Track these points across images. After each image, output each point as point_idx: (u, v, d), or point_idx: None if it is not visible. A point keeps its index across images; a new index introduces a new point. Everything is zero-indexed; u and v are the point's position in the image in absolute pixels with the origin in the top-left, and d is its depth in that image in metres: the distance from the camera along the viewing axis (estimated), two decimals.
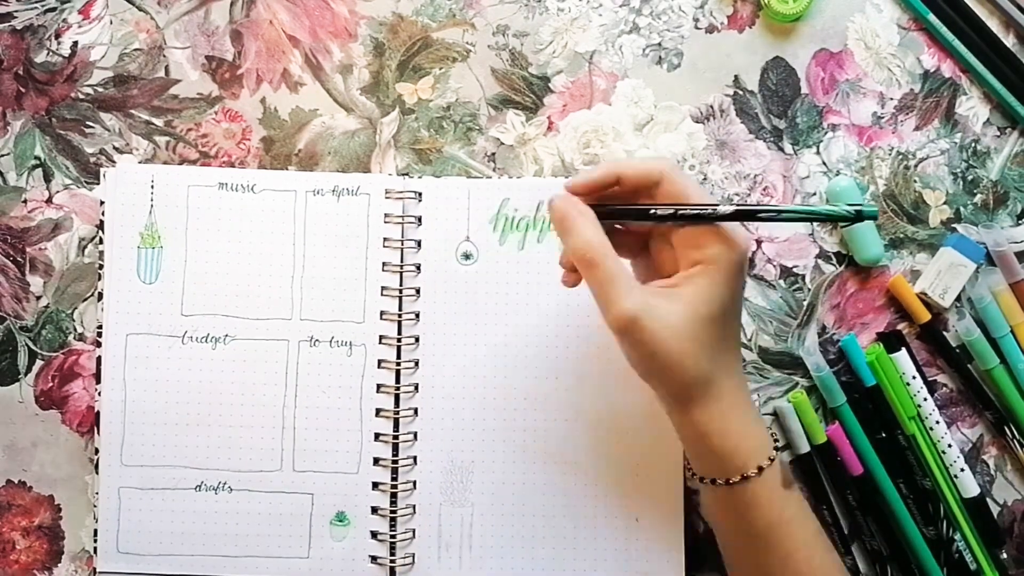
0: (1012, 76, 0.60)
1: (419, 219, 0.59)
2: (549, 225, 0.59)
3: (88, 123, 0.60)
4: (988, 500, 0.59)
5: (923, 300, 0.59)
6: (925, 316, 0.59)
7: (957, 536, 0.59)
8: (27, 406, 0.59)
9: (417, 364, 0.59)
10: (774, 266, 0.60)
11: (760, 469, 0.49)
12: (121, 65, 0.60)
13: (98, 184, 0.60)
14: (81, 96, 0.60)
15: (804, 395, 0.59)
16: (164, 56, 0.60)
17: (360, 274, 0.59)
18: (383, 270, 0.59)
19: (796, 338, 0.60)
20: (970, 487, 0.58)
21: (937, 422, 0.59)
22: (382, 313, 0.59)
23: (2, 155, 0.60)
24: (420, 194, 0.59)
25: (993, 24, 0.61)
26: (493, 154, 0.61)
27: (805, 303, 0.60)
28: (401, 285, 0.59)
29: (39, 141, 0.60)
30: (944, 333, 0.60)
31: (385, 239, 0.59)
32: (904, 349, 0.59)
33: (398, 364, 0.59)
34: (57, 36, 0.60)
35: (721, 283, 0.48)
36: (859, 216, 0.49)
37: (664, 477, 0.58)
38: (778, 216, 0.50)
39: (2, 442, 0.59)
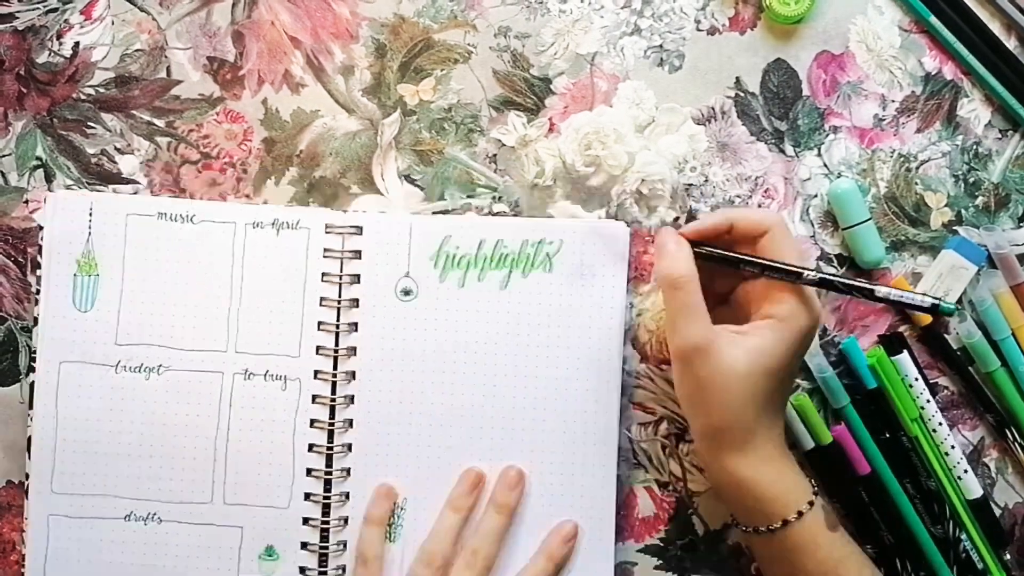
0: (1014, 78, 0.60)
1: (358, 253, 0.59)
2: (491, 263, 0.59)
3: (90, 124, 0.60)
4: (990, 503, 0.59)
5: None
6: (926, 319, 0.59)
7: (963, 536, 0.59)
8: (27, 406, 0.59)
9: (352, 399, 0.58)
10: None
11: (800, 514, 0.51)
12: (123, 66, 0.60)
13: (100, 184, 0.60)
14: (83, 97, 0.60)
15: (807, 397, 0.59)
16: (166, 57, 0.61)
17: (297, 308, 0.58)
18: (320, 305, 0.58)
19: None
20: (973, 489, 0.59)
21: (940, 423, 0.59)
22: (318, 348, 0.58)
23: (4, 155, 0.60)
24: (360, 228, 0.59)
25: (995, 26, 0.61)
26: (494, 155, 0.61)
27: None
28: (338, 320, 0.58)
29: (40, 142, 0.60)
30: (945, 336, 0.60)
31: (324, 274, 0.58)
32: (906, 351, 0.59)
33: (333, 400, 0.58)
34: (59, 37, 0.60)
35: (787, 340, 0.51)
36: (935, 309, 0.52)
37: (598, 513, 0.58)
38: (856, 293, 0.53)
39: (2, 442, 0.59)
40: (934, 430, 0.59)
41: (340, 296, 0.58)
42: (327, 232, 0.59)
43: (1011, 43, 0.61)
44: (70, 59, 0.60)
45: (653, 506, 0.60)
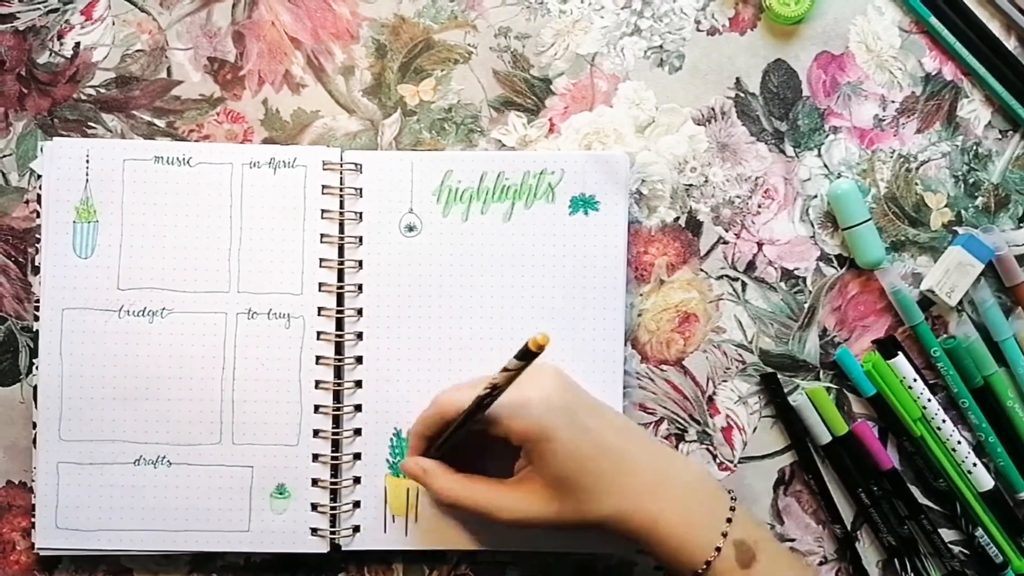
0: (1014, 79, 0.60)
1: (359, 191, 0.59)
2: (493, 196, 0.59)
3: (90, 124, 0.60)
4: (1002, 493, 0.60)
5: (928, 299, 0.59)
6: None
7: (978, 532, 0.59)
8: (28, 407, 0.59)
9: (360, 336, 0.59)
10: (775, 268, 0.60)
11: (708, 563, 0.50)
12: (123, 66, 0.60)
13: None
14: (83, 97, 0.60)
15: (822, 389, 0.59)
16: (166, 57, 0.61)
17: (297, 246, 0.59)
18: (321, 242, 0.59)
19: (797, 340, 0.60)
20: (984, 481, 0.59)
21: (944, 421, 0.59)
22: (320, 285, 0.58)
23: (4, 156, 0.60)
24: (360, 166, 0.59)
25: (994, 27, 0.61)
26: None
27: (806, 305, 0.60)
28: (341, 257, 0.59)
29: (41, 142, 0.60)
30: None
31: (323, 211, 0.59)
32: (901, 354, 0.59)
33: (339, 336, 0.58)
34: (59, 37, 0.60)
35: (551, 452, 0.51)
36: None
37: None
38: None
39: (2, 443, 0.59)
40: (938, 428, 0.59)
41: (342, 233, 0.59)
42: (325, 169, 0.59)
43: (1011, 43, 0.61)
44: (71, 59, 0.60)
45: None
